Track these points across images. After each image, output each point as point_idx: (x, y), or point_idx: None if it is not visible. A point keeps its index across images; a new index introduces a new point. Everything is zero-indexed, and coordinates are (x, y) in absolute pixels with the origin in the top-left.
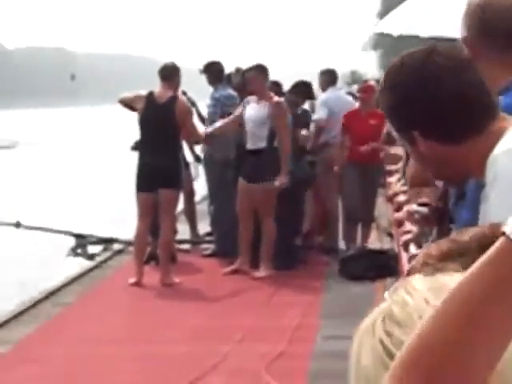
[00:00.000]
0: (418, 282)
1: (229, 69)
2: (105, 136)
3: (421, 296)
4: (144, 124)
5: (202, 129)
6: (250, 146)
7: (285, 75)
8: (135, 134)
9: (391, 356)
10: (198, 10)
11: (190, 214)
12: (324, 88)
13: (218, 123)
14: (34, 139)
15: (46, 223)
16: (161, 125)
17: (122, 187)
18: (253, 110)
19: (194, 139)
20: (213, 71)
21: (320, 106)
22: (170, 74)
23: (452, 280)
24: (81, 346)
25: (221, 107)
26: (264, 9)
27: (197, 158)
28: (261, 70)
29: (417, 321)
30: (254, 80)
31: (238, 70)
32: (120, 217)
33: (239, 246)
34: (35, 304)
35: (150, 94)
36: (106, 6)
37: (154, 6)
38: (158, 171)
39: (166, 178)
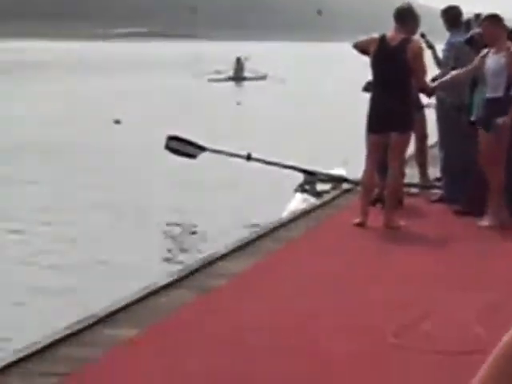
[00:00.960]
0: None
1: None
2: (342, 74)
3: None
4: (375, 66)
5: (435, 73)
6: (488, 94)
7: None
8: (368, 75)
9: None
10: None
11: (421, 158)
12: None
13: (449, 75)
14: (281, 73)
15: (276, 157)
16: (392, 67)
17: (356, 127)
18: (491, 60)
19: (420, 86)
20: (450, 16)
21: None
22: (403, 17)
23: None
24: (296, 282)
25: (455, 53)
26: None
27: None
28: (496, 20)
29: None
30: (488, 31)
31: (477, 17)
32: (353, 156)
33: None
34: (257, 238)
35: (383, 37)
36: None
37: None
38: (389, 114)
39: (396, 121)
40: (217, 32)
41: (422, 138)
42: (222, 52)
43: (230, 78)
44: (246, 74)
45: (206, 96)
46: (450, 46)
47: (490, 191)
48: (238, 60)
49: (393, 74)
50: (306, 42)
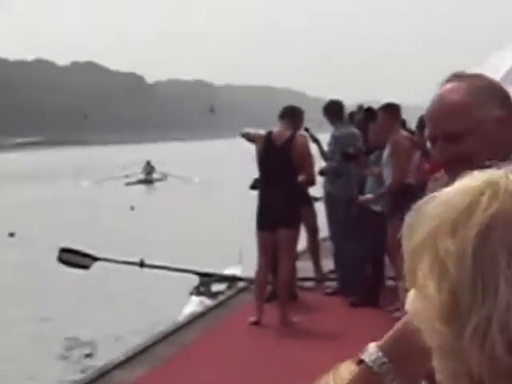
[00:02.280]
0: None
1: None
2: (234, 170)
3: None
4: (262, 164)
5: (320, 165)
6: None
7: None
8: (256, 173)
9: None
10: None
11: (314, 251)
12: None
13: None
14: (180, 173)
15: (169, 262)
16: (277, 165)
17: (247, 224)
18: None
19: (308, 182)
20: (331, 110)
21: None
22: (286, 114)
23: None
24: None
25: (341, 146)
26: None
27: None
28: (387, 108)
29: None
30: (379, 120)
31: (360, 108)
32: (245, 254)
33: None
34: (153, 344)
35: (269, 135)
36: (244, 37)
37: (298, 35)
38: (275, 210)
39: (282, 217)
40: (110, 136)
41: (313, 231)
42: (125, 155)
43: (140, 181)
44: (155, 175)
45: (103, 203)
46: (335, 140)
47: (399, 278)
48: (148, 163)
49: (278, 171)
50: (200, 141)
